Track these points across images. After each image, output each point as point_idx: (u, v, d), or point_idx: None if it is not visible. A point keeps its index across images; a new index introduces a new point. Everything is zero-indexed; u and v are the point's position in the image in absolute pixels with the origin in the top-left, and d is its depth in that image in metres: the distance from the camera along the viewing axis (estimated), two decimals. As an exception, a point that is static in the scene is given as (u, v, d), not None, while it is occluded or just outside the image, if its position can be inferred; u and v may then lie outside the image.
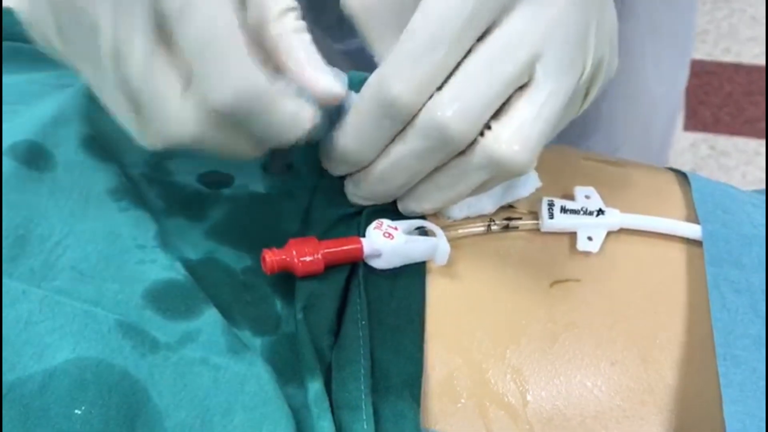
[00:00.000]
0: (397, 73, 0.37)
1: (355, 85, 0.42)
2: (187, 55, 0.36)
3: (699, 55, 1.94)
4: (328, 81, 0.39)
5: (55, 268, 0.38)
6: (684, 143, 1.81)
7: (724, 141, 1.82)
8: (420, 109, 0.38)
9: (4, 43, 0.50)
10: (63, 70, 0.49)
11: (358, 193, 0.43)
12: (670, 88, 0.88)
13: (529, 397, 0.40)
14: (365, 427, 0.37)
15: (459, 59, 0.37)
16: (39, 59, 0.50)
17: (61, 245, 0.39)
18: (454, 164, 0.40)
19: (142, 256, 0.40)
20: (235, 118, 0.36)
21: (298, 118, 0.38)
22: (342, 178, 0.44)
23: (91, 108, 0.46)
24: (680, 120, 1.84)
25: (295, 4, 0.40)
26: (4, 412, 0.34)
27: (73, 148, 0.42)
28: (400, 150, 0.39)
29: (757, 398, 0.39)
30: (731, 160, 1.79)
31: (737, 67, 1.94)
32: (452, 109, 0.37)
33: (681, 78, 0.89)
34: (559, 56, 0.38)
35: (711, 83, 1.91)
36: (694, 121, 1.86)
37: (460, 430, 0.39)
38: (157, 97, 0.36)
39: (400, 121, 0.38)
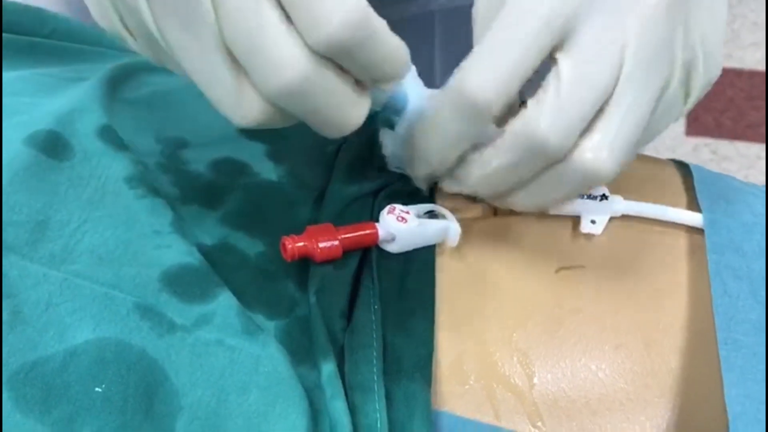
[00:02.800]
0: (477, 67, 0.38)
1: None
2: None
3: (701, 61, 1.95)
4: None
5: (75, 253, 0.39)
6: (686, 148, 1.82)
7: (725, 146, 1.83)
8: (513, 117, 0.38)
9: (23, 38, 0.52)
10: (79, 64, 0.50)
11: (450, 189, 0.43)
12: None
13: (535, 380, 0.41)
14: (377, 407, 0.38)
15: (538, 60, 0.38)
16: (55, 53, 0.52)
17: (80, 231, 0.40)
18: (548, 174, 0.40)
19: (159, 241, 0.41)
20: (343, 49, 0.35)
21: (400, 52, 0.36)
22: (361, 161, 0.45)
23: (109, 99, 0.47)
24: (683, 125, 1.85)
25: None
26: (26, 389, 0.35)
27: (91, 137, 0.44)
28: (495, 161, 0.40)
29: (757, 381, 0.40)
30: (733, 165, 1.79)
31: (739, 73, 1.95)
32: (552, 121, 0.37)
33: None
34: (641, 62, 0.38)
35: (713, 89, 1.91)
36: (696, 126, 1.86)
37: (469, 412, 0.40)
38: (263, 39, 0.34)
39: (484, 122, 0.39)
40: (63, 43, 0.53)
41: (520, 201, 0.42)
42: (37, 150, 0.42)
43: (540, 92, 0.38)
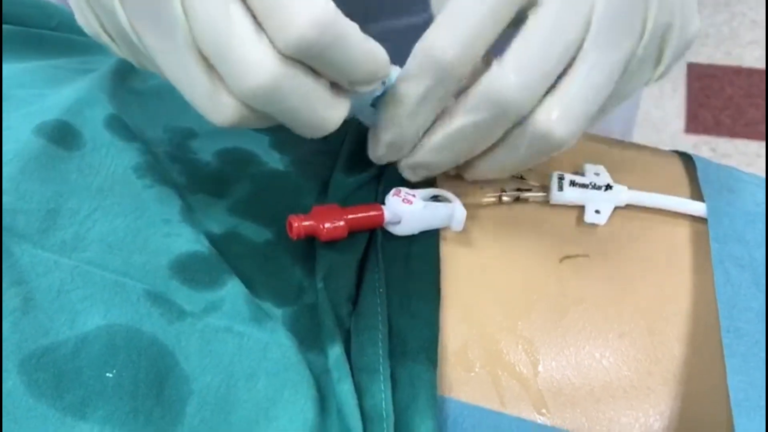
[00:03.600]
0: (441, 31, 0.38)
1: None
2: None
3: (700, 59, 1.96)
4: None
5: (85, 240, 0.40)
6: (686, 146, 1.83)
7: (725, 143, 1.84)
8: (477, 79, 0.38)
9: (31, 31, 0.52)
10: (86, 56, 0.51)
11: (411, 161, 0.43)
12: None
13: (540, 368, 0.41)
14: (382, 388, 0.38)
15: (504, 21, 0.38)
16: (62, 45, 0.52)
17: (90, 219, 0.40)
18: (507, 137, 0.40)
19: (168, 230, 0.41)
20: (312, 51, 0.35)
21: (374, 55, 0.37)
22: (360, 157, 0.45)
23: (116, 89, 0.47)
24: (682, 122, 1.86)
25: None
26: (38, 374, 0.35)
27: (100, 127, 0.44)
28: (458, 121, 0.40)
29: (759, 369, 0.40)
30: (732, 162, 1.80)
31: (738, 70, 1.95)
32: (514, 79, 0.38)
33: None
34: (608, 26, 0.38)
35: (712, 86, 1.92)
36: (695, 124, 1.87)
37: (474, 398, 0.40)
38: (232, 43, 0.35)
39: (451, 83, 0.39)
40: (69, 36, 0.53)
41: (479, 169, 0.43)
42: (47, 140, 0.42)
43: (506, 52, 0.38)
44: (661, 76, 0.43)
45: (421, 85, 0.39)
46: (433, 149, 0.42)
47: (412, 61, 0.39)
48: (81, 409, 0.35)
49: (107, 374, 0.36)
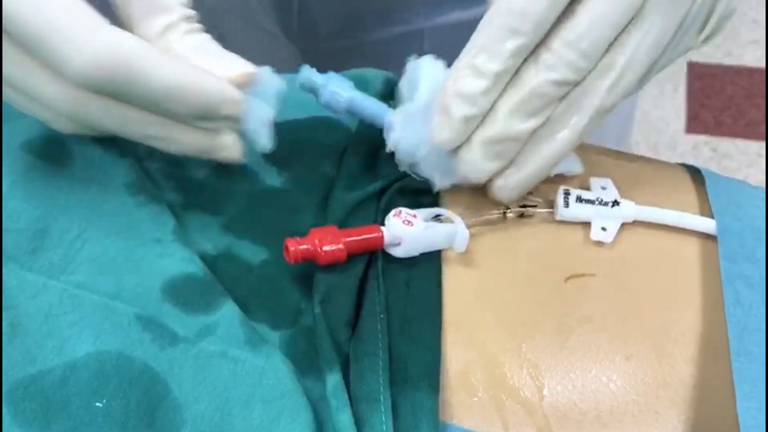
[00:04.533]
0: None
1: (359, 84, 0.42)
2: (28, 39, 0.35)
3: (700, 58, 1.95)
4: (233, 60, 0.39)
5: (75, 262, 0.38)
6: (686, 146, 1.82)
7: (726, 143, 1.83)
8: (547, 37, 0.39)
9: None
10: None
11: (488, 135, 0.41)
12: None
13: (545, 391, 0.40)
14: (383, 419, 0.37)
15: None
16: None
17: (80, 239, 0.39)
18: (568, 98, 0.40)
19: (161, 250, 0.40)
20: (103, 88, 0.36)
21: (199, 90, 0.37)
22: (365, 165, 0.44)
23: None
24: (683, 123, 1.85)
25: (181, 14, 0.40)
26: (25, 404, 0.34)
27: (90, 142, 0.43)
28: (537, 78, 0.39)
29: None
30: (733, 163, 1.79)
31: (739, 70, 1.94)
32: (585, 40, 0.38)
33: None
34: None
35: (712, 86, 1.91)
36: (696, 124, 1.86)
37: (477, 424, 0.39)
38: (30, 88, 0.37)
39: (537, 37, 0.39)
40: None
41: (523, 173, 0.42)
42: (35, 156, 0.41)
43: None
44: (703, 42, 0.43)
45: (510, 43, 0.39)
46: (511, 112, 0.40)
47: (488, 27, 0.39)
48: None
49: (96, 404, 0.35)
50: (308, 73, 0.45)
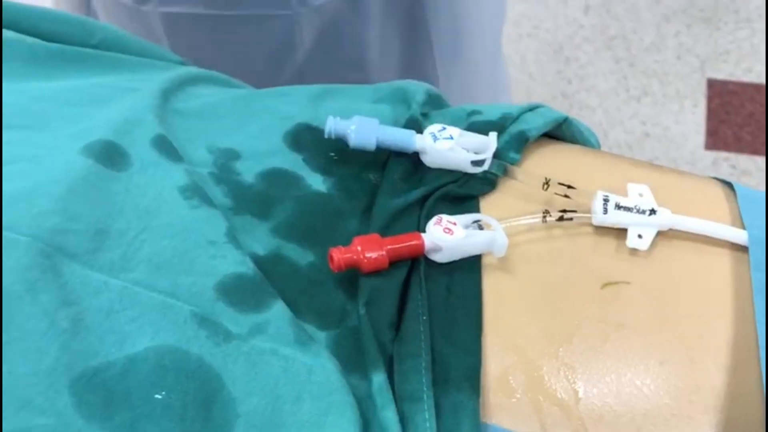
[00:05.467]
0: None
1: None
2: None
3: (721, 75, 1.95)
4: None
5: (133, 261, 0.40)
6: (706, 162, 1.82)
7: (745, 160, 1.83)
8: None
9: (74, 49, 0.52)
10: (129, 74, 0.51)
11: None
12: None
13: (581, 394, 0.41)
14: (426, 417, 0.39)
15: None
16: (105, 64, 0.53)
17: (138, 239, 0.41)
18: None
19: (214, 251, 0.41)
20: None
21: None
22: (407, 173, 0.46)
23: (161, 110, 0.48)
24: (702, 139, 1.85)
25: None
26: (88, 395, 0.36)
27: (147, 147, 0.44)
28: None
29: None
30: (752, 180, 1.80)
31: (759, 87, 1.95)
32: None
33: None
34: None
35: (732, 103, 1.92)
36: (716, 140, 1.87)
37: (515, 425, 0.41)
38: None
39: None
40: (111, 54, 0.54)
41: None
42: (94, 160, 0.43)
43: None
44: None
45: None
46: None
47: None
48: (130, 431, 0.35)
49: (156, 396, 0.36)
50: (335, 123, 0.48)
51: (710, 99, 1.93)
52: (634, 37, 2.02)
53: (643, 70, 1.97)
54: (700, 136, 1.87)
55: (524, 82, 1.94)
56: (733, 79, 1.96)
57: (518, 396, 0.41)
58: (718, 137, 1.87)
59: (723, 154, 1.84)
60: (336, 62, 0.80)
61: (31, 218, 0.39)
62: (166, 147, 0.45)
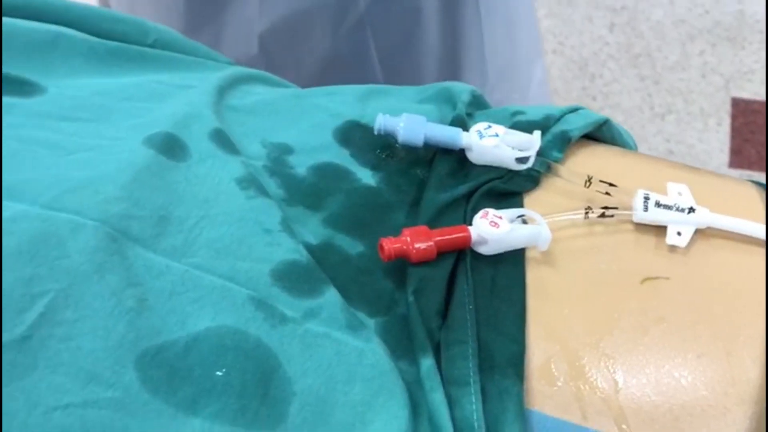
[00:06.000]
0: None
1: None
2: None
3: (745, 94, 1.96)
4: None
5: (194, 247, 0.42)
6: (729, 179, 1.83)
7: (769, 179, 1.84)
8: None
9: (132, 47, 0.55)
10: (184, 72, 0.53)
11: None
12: None
13: (620, 385, 0.43)
14: (473, 400, 0.40)
15: None
16: (162, 62, 0.55)
17: (198, 227, 0.43)
18: None
19: (269, 239, 0.43)
20: None
21: None
22: (454, 169, 0.48)
23: (217, 106, 0.50)
24: (726, 157, 1.86)
25: None
26: (153, 371, 0.37)
27: (205, 140, 0.46)
28: None
29: None
30: (776, 198, 1.80)
31: (783, 106, 1.95)
32: None
33: None
34: None
35: (756, 122, 1.93)
36: (740, 159, 1.87)
37: (557, 412, 0.42)
38: None
39: None
40: (167, 53, 0.56)
41: None
42: (156, 150, 0.45)
43: None
44: None
45: None
46: None
47: None
48: (192, 406, 0.37)
49: (217, 373, 0.38)
50: (384, 120, 0.50)
51: (734, 118, 1.94)
52: (659, 55, 2.03)
53: (667, 88, 1.98)
54: (723, 155, 1.88)
55: (549, 97, 1.96)
56: (758, 98, 1.97)
57: (560, 384, 0.42)
58: (742, 156, 1.88)
59: (747, 173, 1.85)
60: (394, 12, 0.83)
61: (97, 204, 0.41)
62: (223, 140, 0.47)
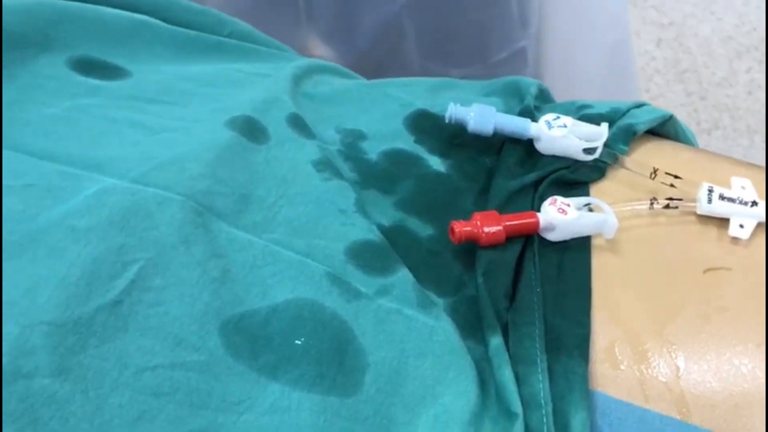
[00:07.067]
0: None
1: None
2: None
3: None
4: None
5: (273, 224, 0.44)
6: None
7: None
8: None
9: (210, 37, 0.57)
10: (259, 62, 0.55)
11: None
12: None
13: (682, 370, 0.44)
14: (540, 378, 0.42)
15: None
16: (239, 52, 0.57)
17: (277, 205, 0.45)
18: None
19: (344, 219, 0.45)
20: None
21: None
22: (522, 158, 0.50)
23: (293, 92, 0.52)
24: None
25: None
26: (235, 337, 0.39)
27: (283, 124, 0.48)
28: None
29: None
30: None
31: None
32: None
33: None
34: None
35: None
36: None
37: (620, 393, 0.43)
38: None
39: None
40: (243, 43, 0.58)
41: None
42: (238, 132, 0.47)
43: None
44: None
45: None
46: None
47: None
48: (273, 371, 0.39)
49: (296, 341, 0.40)
50: (455, 109, 0.51)
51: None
52: (705, 72, 2.03)
53: (714, 104, 1.98)
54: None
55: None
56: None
57: (623, 367, 0.44)
58: None
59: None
60: None
61: (183, 180, 0.43)
62: (300, 125, 0.49)
